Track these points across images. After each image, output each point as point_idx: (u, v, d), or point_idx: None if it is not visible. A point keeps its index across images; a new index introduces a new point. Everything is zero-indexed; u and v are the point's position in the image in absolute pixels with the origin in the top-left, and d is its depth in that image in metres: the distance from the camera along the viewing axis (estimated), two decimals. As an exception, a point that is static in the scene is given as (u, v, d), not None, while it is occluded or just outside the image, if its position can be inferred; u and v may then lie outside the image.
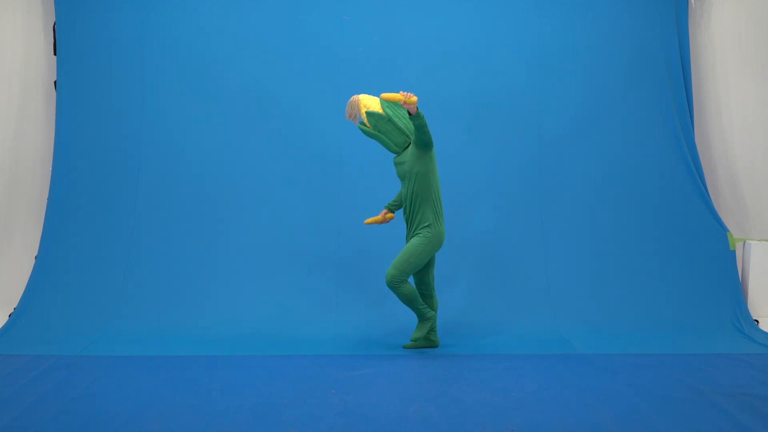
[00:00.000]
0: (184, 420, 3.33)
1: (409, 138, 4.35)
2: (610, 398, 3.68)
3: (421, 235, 4.30)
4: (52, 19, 5.76)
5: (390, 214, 4.65)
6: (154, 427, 3.23)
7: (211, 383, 3.88)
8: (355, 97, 4.36)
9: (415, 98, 3.99)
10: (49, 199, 5.49)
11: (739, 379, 4.00)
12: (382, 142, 4.39)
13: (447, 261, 5.42)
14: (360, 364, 4.23)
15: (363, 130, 4.40)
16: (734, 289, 5.45)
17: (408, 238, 4.44)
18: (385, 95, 4.08)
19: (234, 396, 3.67)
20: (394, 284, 4.26)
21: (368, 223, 4.65)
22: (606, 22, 5.79)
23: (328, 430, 3.23)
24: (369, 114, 4.23)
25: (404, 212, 4.44)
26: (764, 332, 5.09)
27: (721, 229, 5.63)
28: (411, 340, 4.47)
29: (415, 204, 4.32)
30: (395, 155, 4.51)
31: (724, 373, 4.12)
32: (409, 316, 5.07)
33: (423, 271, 4.51)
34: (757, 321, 5.31)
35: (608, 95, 5.77)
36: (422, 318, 4.45)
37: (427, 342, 4.60)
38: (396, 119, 4.27)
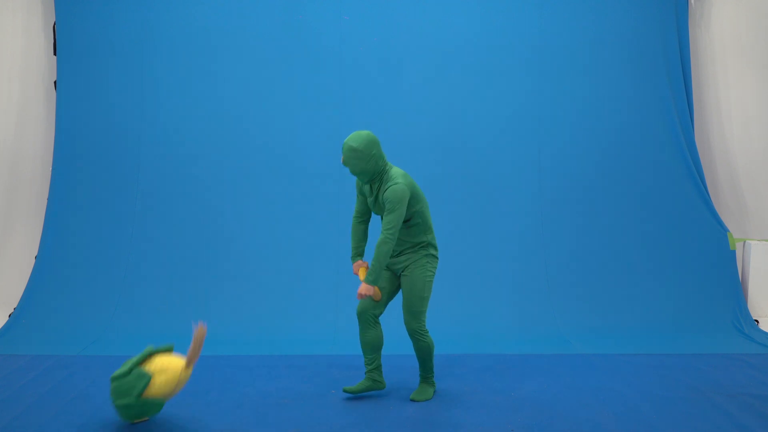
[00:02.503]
0: (184, 420, 3.33)
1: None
2: (610, 398, 3.68)
3: (424, 264, 3.57)
4: (52, 19, 5.76)
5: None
6: (154, 427, 3.23)
7: (211, 383, 3.88)
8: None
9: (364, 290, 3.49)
10: (49, 199, 5.49)
11: (739, 379, 4.00)
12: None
13: (448, 261, 5.42)
14: (360, 363, 4.22)
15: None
16: (734, 289, 5.45)
17: (399, 266, 3.63)
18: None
19: (234, 396, 3.67)
20: (420, 333, 3.55)
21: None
22: (606, 23, 5.79)
23: (328, 430, 3.23)
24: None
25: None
26: (764, 332, 5.09)
27: (721, 229, 5.63)
28: (412, 399, 3.67)
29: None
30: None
31: (724, 373, 4.12)
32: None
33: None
34: (757, 321, 5.31)
35: (608, 95, 5.76)
36: (428, 378, 3.73)
37: (374, 384, 3.71)
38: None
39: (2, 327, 4.92)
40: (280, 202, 5.55)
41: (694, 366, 4.25)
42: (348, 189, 5.56)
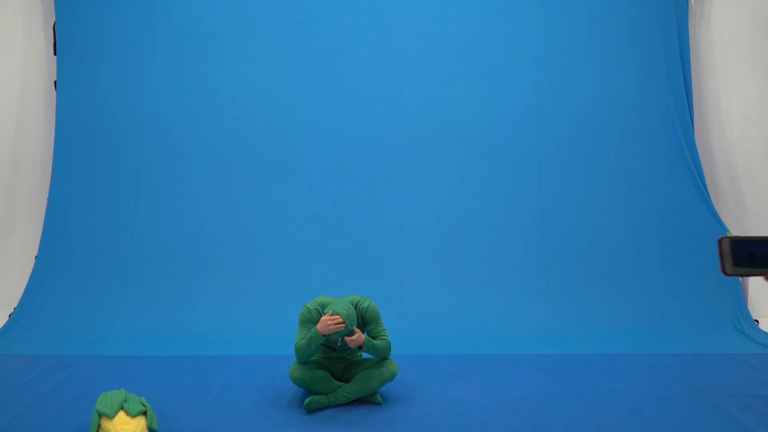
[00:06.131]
0: (184, 420, 3.33)
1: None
2: (610, 398, 3.68)
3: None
4: (52, 19, 5.76)
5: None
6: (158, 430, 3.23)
7: (211, 383, 3.88)
8: None
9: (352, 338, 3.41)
10: (49, 199, 5.49)
11: (739, 379, 4.00)
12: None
13: (448, 260, 5.42)
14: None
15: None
16: (734, 289, 5.45)
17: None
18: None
19: (234, 396, 3.67)
20: None
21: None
22: (605, 23, 5.79)
23: (328, 430, 3.23)
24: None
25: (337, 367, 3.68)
26: (764, 332, 5.09)
27: (721, 229, 5.63)
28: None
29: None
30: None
31: (724, 373, 4.12)
32: (405, 317, 5.07)
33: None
34: (757, 321, 5.31)
35: (608, 95, 5.76)
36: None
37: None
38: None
39: (2, 327, 4.92)
40: (279, 201, 5.55)
41: (694, 366, 4.25)
42: (348, 188, 5.56)
